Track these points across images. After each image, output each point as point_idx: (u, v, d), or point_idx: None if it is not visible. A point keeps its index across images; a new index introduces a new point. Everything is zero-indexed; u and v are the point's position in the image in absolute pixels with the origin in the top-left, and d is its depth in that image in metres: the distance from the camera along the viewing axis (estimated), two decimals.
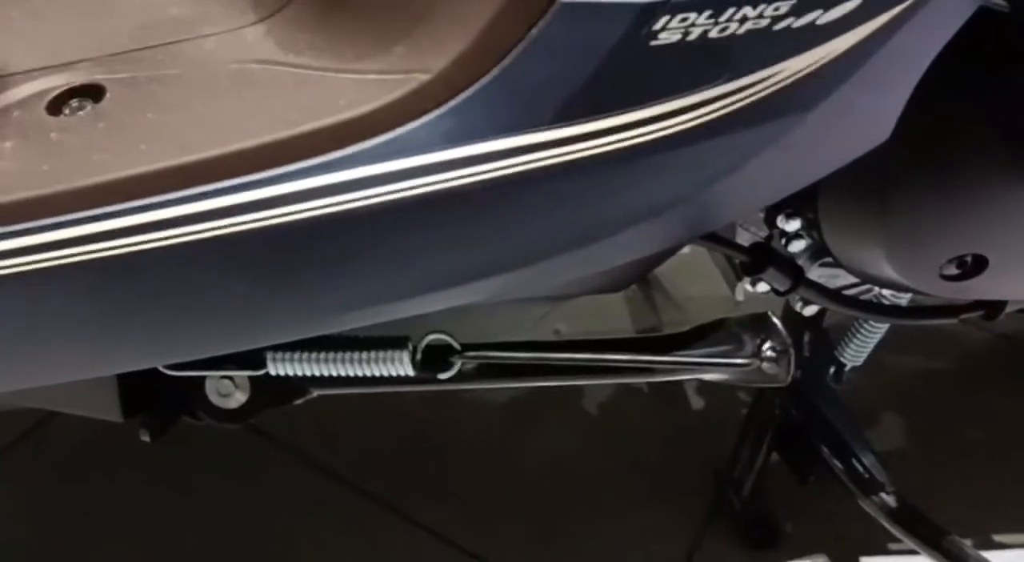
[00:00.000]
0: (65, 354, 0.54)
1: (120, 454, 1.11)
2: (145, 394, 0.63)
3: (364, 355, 0.61)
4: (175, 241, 0.50)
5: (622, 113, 0.48)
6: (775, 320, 0.61)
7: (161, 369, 0.62)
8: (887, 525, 0.93)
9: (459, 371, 0.63)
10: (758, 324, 0.61)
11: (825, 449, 0.96)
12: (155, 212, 0.50)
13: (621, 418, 1.23)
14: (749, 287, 0.80)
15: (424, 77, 0.49)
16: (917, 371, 1.33)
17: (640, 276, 0.65)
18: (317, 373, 0.61)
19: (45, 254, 0.50)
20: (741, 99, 0.48)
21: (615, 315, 1.39)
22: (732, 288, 0.82)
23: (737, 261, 0.75)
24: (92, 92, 0.57)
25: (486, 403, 1.25)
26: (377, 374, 0.62)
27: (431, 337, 0.62)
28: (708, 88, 0.48)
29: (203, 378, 0.62)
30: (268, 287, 0.52)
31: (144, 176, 0.50)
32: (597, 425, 1.23)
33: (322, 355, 0.61)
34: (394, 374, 0.62)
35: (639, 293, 1.43)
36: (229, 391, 0.62)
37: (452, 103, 0.49)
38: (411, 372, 0.62)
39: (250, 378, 0.62)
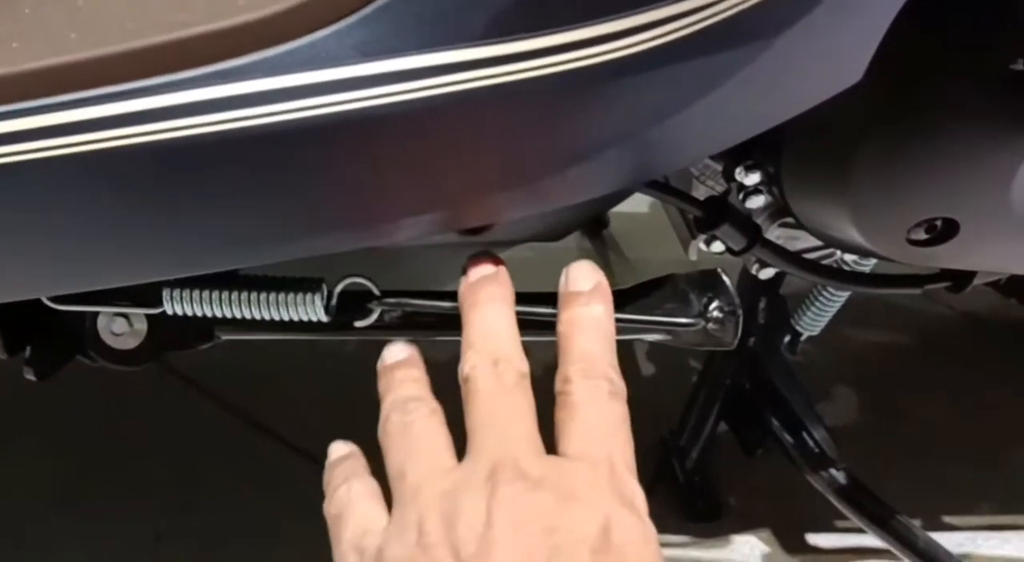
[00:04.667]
0: None
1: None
2: (32, 328, 0.57)
3: (272, 297, 0.55)
4: (42, 154, 0.44)
5: (561, 31, 0.42)
6: (725, 278, 0.56)
7: (45, 301, 0.56)
8: (834, 501, 0.89)
9: (377, 319, 0.57)
10: (706, 282, 0.55)
11: (775, 421, 0.92)
12: (21, 120, 0.43)
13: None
14: (703, 246, 0.75)
15: None
16: (876, 345, 1.30)
17: (581, 224, 0.60)
18: (219, 314, 0.55)
19: None
20: (698, 21, 0.42)
21: None
22: (685, 246, 0.77)
23: (691, 216, 0.69)
24: None
25: (428, 360, 1.20)
26: (287, 318, 0.56)
27: (348, 281, 0.56)
28: (661, 6, 0.42)
29: (95, 314, 0.56)
30: (150, 213, 0.46)
31: (10, 78, 0.44)
32: (540, 387, 1.18)
33: (225, 295, 0.55)
34: (306, 319, 0.56)
35: (593, 252, 1.38)
36: (124, 330, 0.56)
37: (367, 10, 0.42)
38: (324, 318, 0.56)
39: (147, 317, 0.56)
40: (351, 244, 0.50)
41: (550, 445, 0.45)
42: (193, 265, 0.50)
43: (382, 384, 0.49)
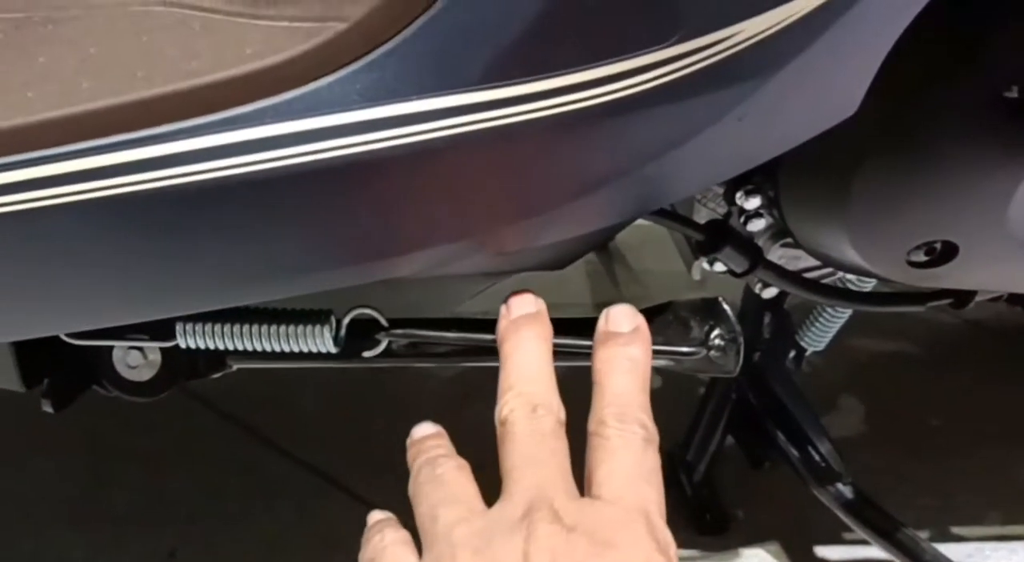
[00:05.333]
0: None
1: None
2: (49, 361, 0.59)
3: (282, 329, 0.56)
4: (60, 200, 0.45)
5: (562, 75, 0.43)
6: (725, 306, 0.56)
7: (63, 337, 0.57)
8: (841, 515, 0.89)
9: (386, 349, 0.58)
10: (707, 309, 0.56)
11: (781, 435, 0.92)
12: (40, 168, 0.45)
13: (573, 395, 1.19)
14: (707, 265, 0.76)
15: (340, 26, 0.44)
16: (881, 355, 1.30)
17: (584, 253, 0.60)
18: (230, 347, 0.56)
19: None
20: (694, 63, 0.43)
21: (574, 289, 1.35)
22: (689, 267, 0.77)
23: (694, 240, 0.70)
24: None
25: (433, 377, 1.21)
26: (297, 350, 0.57)
27: (356, 312, 0.57)
28: (658, 49, 0.43)
29: (110, 347, 0.57)
30: (163, 254, 0.47)
31: (28, 127, 0.45)
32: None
33: (236, 328, 0.56)
34: (315, 350, 0.57)
35: (599, 266, 1.39)
36: (138, 362, 0.58)
37: (370, 57, 0.43)
38: (333, 349, 0.57)
39: (161, 349, 0.57)
40: (357, 279, 0.51)
41: (580, 484, 0.45)
42: (204, 302, 0.51)
43: (411, 453, 0.50)
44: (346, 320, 0.57)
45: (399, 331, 0.57)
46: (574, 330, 0.58)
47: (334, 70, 0.44)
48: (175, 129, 0.44)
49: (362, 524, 1.02)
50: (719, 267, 0.74)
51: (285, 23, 0.45)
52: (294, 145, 0.44)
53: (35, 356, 0.59)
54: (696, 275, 0.77)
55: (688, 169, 0.49)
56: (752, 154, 0.51)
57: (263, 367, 0.63)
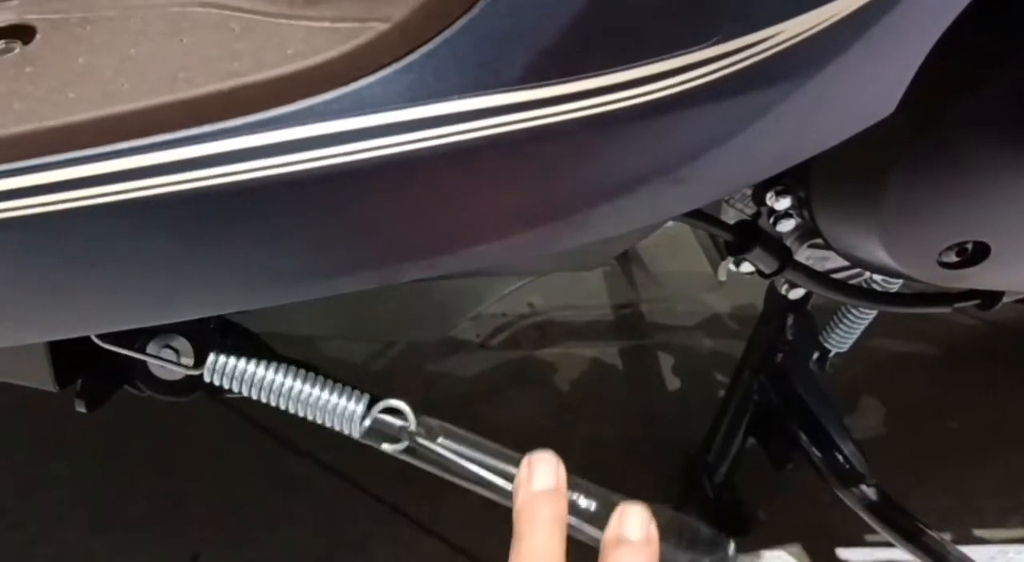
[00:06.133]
0: None
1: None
2: (83, 361, 0.59)
3: (312, 398, 0.55)
4: (100, 200, 0.45)
5: (601, 75, 0.44)
6: (732, 549, 0.56)
7: (93, 338, 0.57)
8: (865, 517, 0.89)
9: (407, 449, 0.57)
10: (712, 544, 0.55)
11: (804, 437, 0.92)
12: (79, 168, 0.45)
13: (593, 396, 1.20)
14: (732, 267, 0.76)
15: (381, 27, 0.44)
16: (902, 356, 1.30)
17: (615, 254, 0.61)
18: (256, 396, 0.56)
19: None
20: (734, 63, 0.43)
21: (593, 290, 1.35)
22: (715, 267, 0.77)
23: (722, 240, 0.70)
24: (21, 33, 0.52)
25: (453, 375, 1.21)
26: (320, 421, 0.56)
27: (386, 404, 0.56)
28: (697, 50, 0.43)
29: (143, 346, 0.57)
30: (205, 254, 0.47)
31: (69, 127, 0.45)
32: (567, 403, 1.19)
33: (267, 380, 0.55)
34: (337, 429, 0.56)
35: (617, 268, 1.39)
36: (171, 359, 0.57)
37: (411, 57, 0.43)
38: (356, 435, 0.56)
39: (194, 348, 0.57)
40: (393, 278, 0.51)
41: None
42: (245, 302, 0.51)
43: (523, 513, 0.48)
44: (375, 411, 0.56)
45: (423, 442, 0.57)
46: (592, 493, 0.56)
47: (375, 71, 0.44)
48: (217, 129, 0.45)
49: (380, 524, 1.02)
50: (745, 268, 0.74)
51: (326, 24, 0.46)
52: (335, 145, 0.44)
53: (68, 355, 0.59)
54: (722, 276, 0.77)
55: (726, 169, 0.48)
56: (789, 154, 0.51)
57: None
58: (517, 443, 1.10)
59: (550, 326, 1.28)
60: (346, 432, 0.56)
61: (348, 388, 0.56)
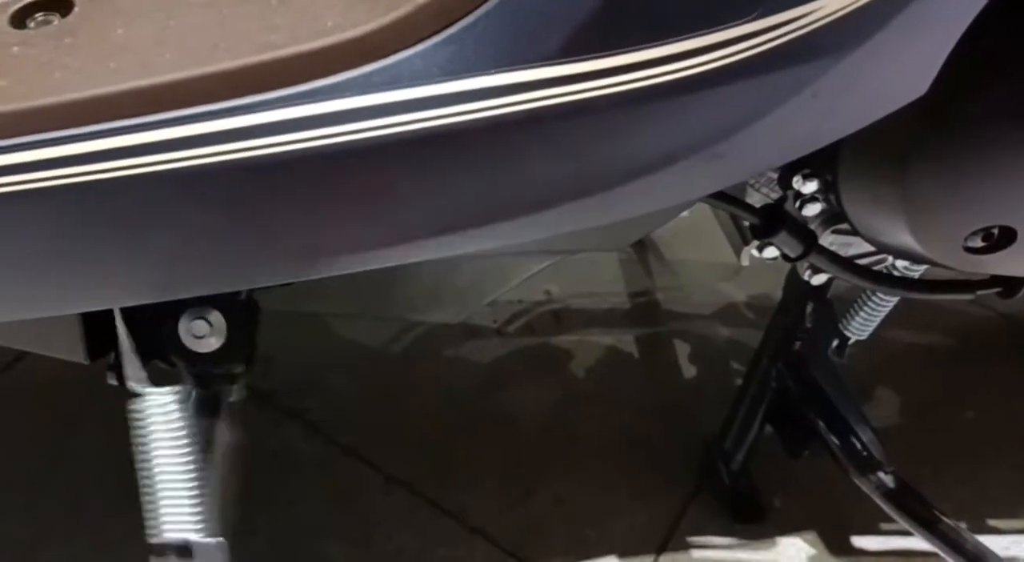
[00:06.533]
0: (17, 287, 0.49)
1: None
2: (114, 334, 0.59)
3: None
4: (137, 171, 0.46)
5: (639, 50, 0.44)
6: None
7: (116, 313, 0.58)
8: (882, 505, 0.89)
9: None
10: None
11: (822, 424, 0.92)
12: (117, 138, 0.45)
13: (609, 384, 1.20)
14: (755, 252, 0.76)
15: (420, 0, 0.44)
16: (917, 348, 1.30)
17: (644, 234, 0.61)
18: None
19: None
20: (772, 39, 0.44)
21: (609, 277, 1.35)
22: (737, 253, 0.78)
23: (747, 224, 0.70)
24: (60, 5, 0.52)
25: (469, 360, 1.21)
26: None
27: None
28: (736, 25, 0.43)
29: (176, 318, 0.58)
30: (239, 225, 0.48)
31: (108, 98, 0.46)
32: (582, 390, 1.19)
33: None
34: None
35: (633, 256, 1.39)
36: (204, 332, 0.58)
37: (451, 31, 0.44)
38: None
39: (227, 319, 0.58)
40: (431, 253, 0.51)
41: None
42: (281, 274, 0.52)
43: None
44: None
45: None
46: None
47: (414, 43, 0.44)
48: (256, 101, 0.45)
49: (395, 504, 1.02)
50: (769, 253, 0.74)
51: None
52: (374, 118, 0.45)
53: (100, 328, 0.59)
54: (745, 261, 0.77)
55: (761, 147, 0.49)
56: (823, 133, 0.51)
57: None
58: (533, 430, 1.11)
59: (566, 313, 1.28)
60: None
61: None
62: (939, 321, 1.33)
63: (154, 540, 0.56)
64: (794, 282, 0.94)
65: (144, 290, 0.51)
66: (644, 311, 1.30)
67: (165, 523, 0.56)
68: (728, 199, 0.66)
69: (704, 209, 1.37)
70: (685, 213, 1.50)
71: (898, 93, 0.49)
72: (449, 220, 0.50)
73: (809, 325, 0.94)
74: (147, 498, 0.56)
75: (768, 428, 1.04)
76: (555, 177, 0.48)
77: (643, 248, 1.39)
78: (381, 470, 1.05)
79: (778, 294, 1.02)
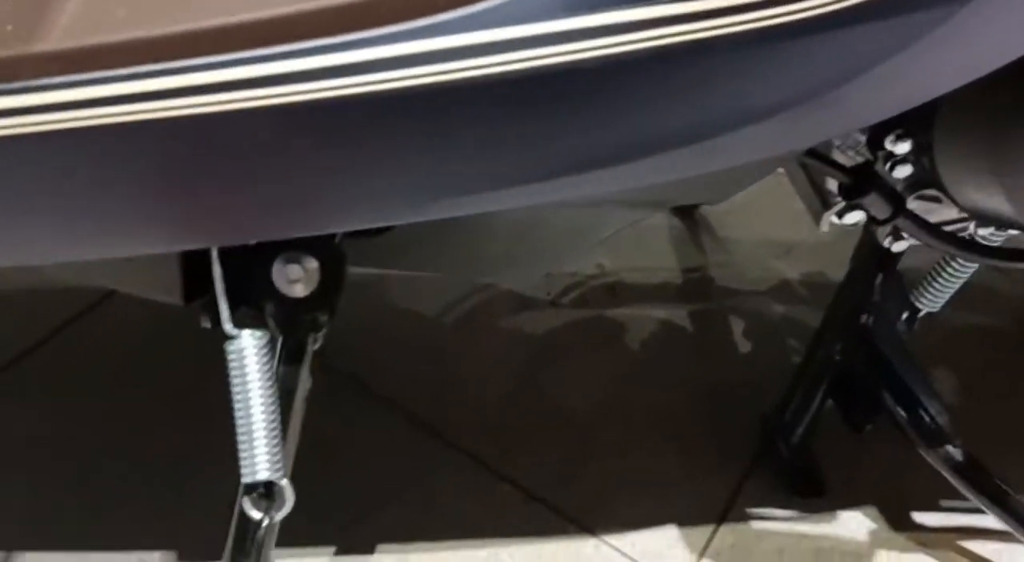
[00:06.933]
0: (131, 223, 0.49)
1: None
2: (208, 277, 0.59)
3: None
4: (251, 104, 0.45)
5: None
6: None
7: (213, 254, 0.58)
8: (951, 479, 0.89)
9: None
10: None
11: (889, 397, 0.92)
12: (223, 71, 0.45)
13: (663, 358, 1.20)
14: (835, 219, 0.75)
15: None
16: (973, 329, 1.29)
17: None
18: None
19: (92, 110, 0.45)
20: None
21: (661, 252, 1.35)
22: (817, 219, 0.77)
23: (829, 187, 0.70)
24: None
25: (524, 331, 1.21)
26: None
27: None
28: None
29: (270, 262, 0.58)
30: (351, 163, 0.47)
31: (230, 28, 0.46)
32: (636, 363, 1.19)
33: None
34: None
35: (685, 232, 1.39)
36: (298, 277, 0.58)
37: None
38: None
39: (320, 264, 0.58)
40: (533, 199, 0.51)
41: None
42: (380, 217, 0.52)
43: None
44: None
45: None
46: None
47: None
48: (370, 36, 0.45)
49: (455, 471, 1.02)
50: (850, 219, 0.73)
51: None
52: (491, 54, 0.44)
53: (195, 272, 0.60)
54: (824, 227, 0.77)
55: (873, 96, 0.48)
56: (932, 85, 0.50)
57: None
58: (589, 401, 1.11)
59: (620, 287, 1.28)
60: None
61: None
62: (999, 304, 1.32)
63: (247, 479, 0.56)
64: (863, 254, 0.93)
65: (256, 227, 0.51)
66: (698, 286, 1.30)
67: (257, 463, 0.56)
68: (821, 157, 0.65)
69: (757, 186, 1.36)
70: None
71: (1006, 48, 0.49)
72: (557, 164, 0.49)
73: (878, 297, 0.93)
74: (241, 438, 0.56)
75: (829, 402, 1.03)
76: (669, 121, 0.47)
77: (695, 224, 1.39)
78: (441, 436, 1.06)
79: (832, 273, 1.02)
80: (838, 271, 1.03)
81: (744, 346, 1.22)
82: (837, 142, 0.72)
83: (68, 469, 0.99)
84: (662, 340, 1.22)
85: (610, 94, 0.46)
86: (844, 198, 0.67)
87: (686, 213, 1.39)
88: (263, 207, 0.50)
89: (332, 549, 0.95)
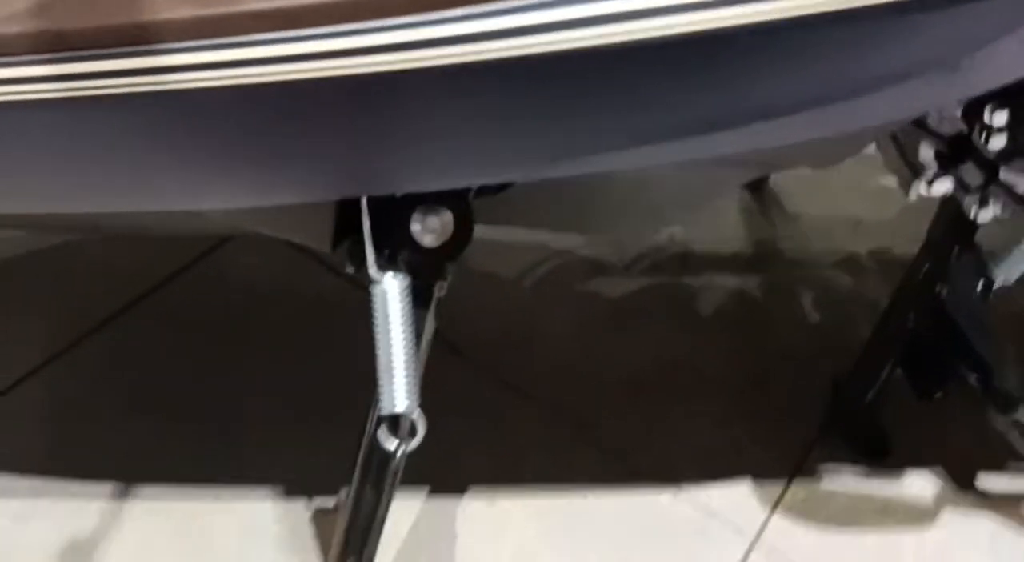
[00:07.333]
0: (305, 172, 0.54)
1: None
2: (350, 225, 0.64)
3: None
4: (413, 65, 0.50)
5: None
6: None
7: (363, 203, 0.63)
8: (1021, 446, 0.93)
9: None
10: None
11: (962, 366, 0.95)
12: (396, 33, 0.49)
13: (733, 326, 1.24)
14: (923, 189, 0.79)
15: None
16: None
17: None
18: None
19: (294, 66, 0.50)
20: None
21: (731, 224, 1.39)
22: (906, 188, 0.81)
23: (920, 158, 0.73)
24: None
25: (597, 295, 1.25)
26: None
27: None
28: None
29: (409, 211, 0.63)
30: (486, 123, 0.52)
31: None
32: (707, 330, 1.23)
33: None
34: None
35: (754, 205, 1.42)
36: (434, 227, 0.63)
37: None
38: None
39: (455, 216, 0.63)
40: (665, 157, 0.56)
41: None
42: (517, 172, 0.56)
43: None
44: None
45: None
46: None
47: None
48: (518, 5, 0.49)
49: (537, 429, 1.07)
50: (939, 188, 0.77)
51: None
52: (622, 22, 0.48)
53: (340, 221, 0.65)
54: (913, 196, 0.80)
55: (1002, 61, 0.52)
56: None
57: None
58: (658, 369, 1.15)
59: (691, 257, 1.32)
60: None
61: None
62: None
63: (386, 411, 0.61)
64: (941, 225, 0.96)
65: (416, 178, 0.56)
66: (767, 258, 1.34)
67: (396, 396, 0.62)
68: (923, 126, 0.69)
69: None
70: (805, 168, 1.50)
71: None
72: (691, 124, 0.54)
73: (954, 268, 0.97)
74: (382, 372, 0.62)
75: (898, 371, 1.07)
76: (803, 83, 0.52)
77: (764, 198, 1.43)
78: (523, 392, 1.10)
79: (899, 249, 1.05)
80: (906, 248, 1.06)
81: (813, 316, 1.26)
82: (933, 113, 0.76)
83: (184, 403, 1.05)
84: (732, 308, 1.26)
85: (753, 59, 0.50)
86: (940, 166, 0.71)
87: (756, 187, 1.42)
88: (423, 161, 0.55)
89: (425, 489, 1.00)
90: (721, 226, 1.37)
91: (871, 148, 1.41)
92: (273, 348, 1.10)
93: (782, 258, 1.34)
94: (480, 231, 0.68)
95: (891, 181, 1.45)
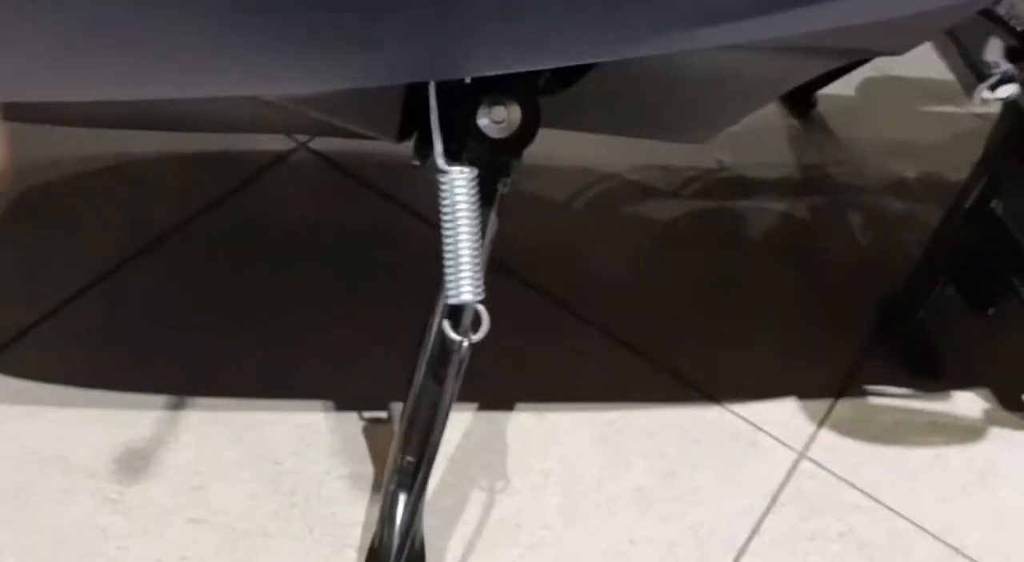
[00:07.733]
0: (374, 51, 0.55)
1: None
2: (417, 118, 0.65)
3: None
4: None
5: None
6: None
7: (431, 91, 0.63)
8: None
9: None
10: None
11: (1017, 281, 0.95)
12: None
13: (784, 246, 1.24)
14: (987, 93, 0.78)
15: None
16: None
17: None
18: None
19: None
20: None
21: (779, 149, 1.38)
22: (969, 93, 0.80)
23: (1006, 48, 0.72)
24: None
25: (646, 217, 1.26)
26: None
27: None
28: None
29: (476, 104, 0.63)
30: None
31: None
32: (758, 251, 1.23)
33: None
34: None
35: (802, 131, 1.41)
36: (501, 118, 0.63)
37: None
38: None
39: (522, 109, 0.63)
40: (716, 41, 0.55)
41: None
42: (581, 55, 0.56)
43: None
44: None
45: None
46: None
47: None
48: None
49: (592, 343, 1.07)
50: (1003, 92, 0.76)
51: None
52: None
53: (410, 110, 0.65)
54: (977, 101, 0.80)
55: None
56: None
57: None
58: (708, 288, 1.16)
59: (739, 181, 1.32)
60: None
61: None
62: None
63: (451, 300, 0.62)
64: (998, 138, 0.96)
65: (492, 58, 0.56)
66: (816, 182, 1.33)
67: (463, 287, 0.63)
68: (995, 17, 0.68)
69: (867, 87, 1.38)
70: (851, 92, 1.48)
71: None
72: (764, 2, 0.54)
73: (1009, 182, 0.96)
74: (448, 263, 0.63)
75: (949, 290, 1.07)
76: None
77: (811, 124, 1.42)
78: (573, 311, 1.11)
79: (950, 173, 1.04)
80: (956, 172, 1.06)
81: (863, 238, 1.26)
82: (1003, 12, 0.75)
83: (238, 317, 1.06)
84: (781, 231, 1.26)
85: None
86: (1010, 61, 0.70)
87: (803, 113, 1.41)
88: (495, 35, 0.55)
89: (476, 402, 1.02)
90: (769, 152, 1.37)
91: (919, 71, 1.40)
92: (326, 267, 1.12)
93: (831, 182, 1.33)
94: (531, 153, 0.68)
95: (940, 106, 1.45)
